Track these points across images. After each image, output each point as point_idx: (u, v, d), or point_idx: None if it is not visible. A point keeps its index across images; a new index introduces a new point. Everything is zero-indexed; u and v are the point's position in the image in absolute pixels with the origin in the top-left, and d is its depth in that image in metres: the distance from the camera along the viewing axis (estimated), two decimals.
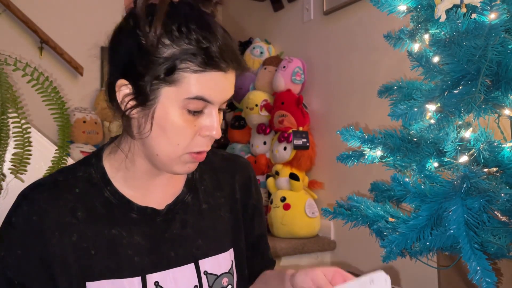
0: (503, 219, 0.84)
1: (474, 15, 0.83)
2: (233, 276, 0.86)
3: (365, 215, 1.02)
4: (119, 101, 0.72)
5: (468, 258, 0.73)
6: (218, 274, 0.83)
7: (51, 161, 1.43)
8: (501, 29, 0.79)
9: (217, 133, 0.73)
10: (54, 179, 0.77)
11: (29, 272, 0.72)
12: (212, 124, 0.73)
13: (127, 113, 0.72)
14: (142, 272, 0.75)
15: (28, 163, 1.41)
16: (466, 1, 0.89)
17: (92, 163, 0.79)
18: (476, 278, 0.70)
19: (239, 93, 2.46)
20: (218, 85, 0.71)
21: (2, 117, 1.36)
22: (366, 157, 1.09)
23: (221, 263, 0.83)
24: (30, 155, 1.41)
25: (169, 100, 0.70)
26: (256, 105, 2.30)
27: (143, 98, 0.70)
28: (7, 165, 1.39)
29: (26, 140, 1.41)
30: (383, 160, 1.07)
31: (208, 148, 0.75)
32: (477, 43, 0.80)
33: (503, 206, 0.81)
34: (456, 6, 0.91)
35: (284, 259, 1.92)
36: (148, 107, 0.70)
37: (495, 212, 0.83)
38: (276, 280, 0.85)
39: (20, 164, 1.40)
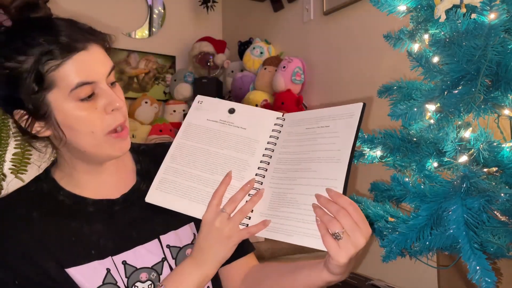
0: (502, 219, 0.84)
1: (474, 15, 0.83)
2: None
3: (365, 214, 1.02)
4: (24, 128, 0.76)
5: (468, 258, 0.73)
6: (181, 246, 0.88)
7: (51, 161, 1.43)
8: (501, 29, 0.79)
9: (119, 104, 0.77)
10: (7, 195, 0.82)
11: (23, 270, 0.74)
12: (109, 99, 0.76)
13: (39, 134, 0.77)
14: (110, 253, 0.80)
15: (28, 163, 1.41)
16: (466, 1, 0.89)
17: (42, 178, 0.85)
18: (475, 277, 0.70)
19: (239, 93, 2.46)
20: (87, 63, 0.74)
21: (2, 117, 1.36)
22: (366, 157, 1.09)
23: (181, 236, 0.89)
24: (30, 155, 1.41)
25: (59, 102, 0.73)
26: (256, 105, 2.30)
27: (36, 113, 0.74)
28: (7, 165, 1.39)
29: (26, 140, 1.40)
30: (383, 160, 1.08)
31: (121, 120, 0.78)
32: (476, 43, 0.80)
33: (502, 206, 0.81)
34: (456, 6, 0.91)
35: (283, 259, 1.92)
36: (48, 118, 0.74)
37: (495, 212, 0.83)
38: (306, 269, 0.82)
39: (20, 164, 1.40)
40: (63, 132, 0.75)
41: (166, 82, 2.88)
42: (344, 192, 0.70)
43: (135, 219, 0.85)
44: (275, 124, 0.84)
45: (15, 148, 1.40)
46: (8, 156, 1.40)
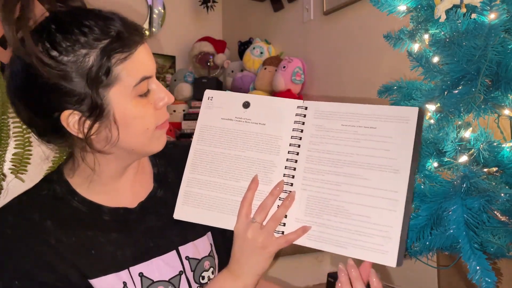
0: (502, 219, 0.84)
1: (474, 15, 0.83)
2: (214, 259, 0.88)
3: None
4: (72, 131, 0.69)
5: (468, 258, 0.73)
6: (199, 258, 0.85)
7: (51, 161, 1.43)
8: (501, 29, 0.79)
9: (169, 98, 0.74)
10: (18, 200, 0.76)
11: (38, 274, 0.70)
12: (162, 94, 0.74)
13: (89, 135, 0.69)
14: (126, 265, 0.76)
15: (28, 163, 1.41)
16: (466, 1, 0.89)
17: (54, 179, 0.78)
18: (476, 277, 0.70)
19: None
20: (146, 57, 0.71)
21: (2, 117, 1.37)
22: None
23: (199, 247, 0.85)
24: (30, 155, 1.41)
25: (120, 99, 0.69)
26: None
27: (98, 112, 0.68)
28: (7, 165, 1.39)
29: (26, 140, 1.41)
30: None
31: (168, 116, 0.76)
32: (477, 43, 0.80)
33: (502, 206, 0.81)
34: (456, 6, 0.91)
35: (283, 259, 1.92)
36: (106, 117, 0.69)
37: (495, 212, 0.83)
38: None
39: (20, 164, 1.40)
40: (119, 131, 0.70)
41: (166, 82, 2.88)
42: (407, 207, 0.67)
43: (152, 229, 0.81)
44: (296, 115, 0.76)
45: (15, 148, 1.40)
46: (8, 156, 1.40)
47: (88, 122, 0.69)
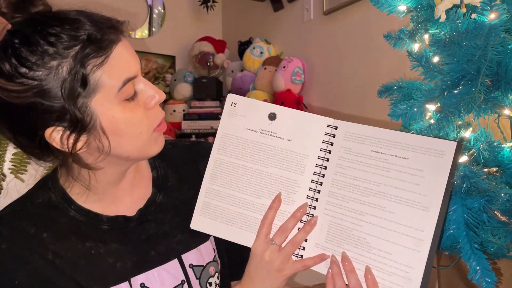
0: (503, 219, 0.84)
1: (474, 15, 0.83)
2: (218, 263, 0.86)
3: None
4: (59, 147, 0.65)
5: (468, 258, 0.73)
6: (204, 265, 0.82)
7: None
8: (501, 29, 0.79)
9: (159, 96, 0.69)
10: (11, 210, 0.72)
11: None
12: (151, 92, 0.69)
13: (75, 150, 0.65)
14: (127, 276, 0.73)
15: (28, 163, 1.41)
16: (466, 1, 0.89)
17: (49, 186, 0.74)
18: (476, 278, 0.70)
19: (239, 93, 2.45)
20: (126, 56, 0.66)
21: None
22: None
23: (203, 253, 0.83)
24: None
25: (105, 107, 0.64)
26: None
27: (81, 125, 0.63)
28: (7, 165, 1.39)
29: None
30: None
31: (163, 113, 0.71)
32: (477, 43, 0.80)
33: (503, 206, 0.81)
34: (456, 6, 0.91)
35: None
36: (93, 128, 0.64)
37: (495, 212, 0.83)
38: None
39: (20, 164, 1.39)
40: (109, 141, 0.66)
41: (166, 82, 2.88)
42: (433, 248, 0.63)
43: (152, 236, 0.78)
44: (325, 134, 0.72)
45: (15, 148, 1.39)
46: (8, 156, 1.40)
47: (73, 137, 0.64)
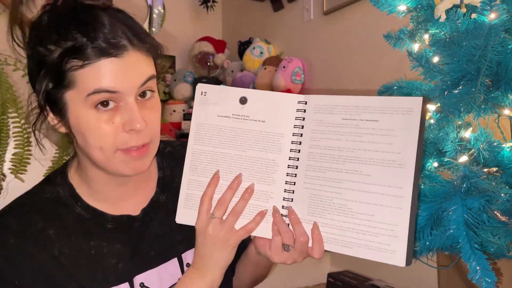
0: (503, 219, 0.84)
1: (474, 15, 0.83)
2: None
3: None
4: (42, 111, 0.71)
5: (468, 258, 0.73)
6: None
7: (51, 161, 1.43)
8: (501, 29, 0.79)
9: (140, 125, 0.67)
10: (20, 203, 0.74)
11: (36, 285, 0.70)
12: (131, 117, 0.67)
13: (54, 127, 0.72)
14: (128, 277, 0.75)
15: (28, 163, 1.41)
16: (466, 1, 0.89)
17: (58, 182, 0.77)
18: (476, 277, 0.70)
19: None
20: (115, 71, 0.65)
21: (2, 117, 1.37)
22: None
23: None
24: (30, 155, 1.41)
25: (75, 104, 0.67)
26: None
27: (54, 107, 0.69)
28: (7, 165, 1.39)
29: (26, 140, 1.41)
30: None
31: (139, 142, 0.69)
32: (477, 43, 0.80)
33: (503, 206, 0.81)
34: (456, 6, 0.91)
35: None
36: (64, 116, 0.69)
37: (495, 212, 0.83)
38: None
39: (20, 164, 1.40)
40: (75, 136, 0.69)
41: (166, 82, 2.88)
42: (414, 203, 0.64)
43: (154, 236, 0.80)
44: (297, 110, 0.73)
45: (15, 148, 1.40)
46: (8, 156, 1.40)
47: (48, 110, 0.70)
